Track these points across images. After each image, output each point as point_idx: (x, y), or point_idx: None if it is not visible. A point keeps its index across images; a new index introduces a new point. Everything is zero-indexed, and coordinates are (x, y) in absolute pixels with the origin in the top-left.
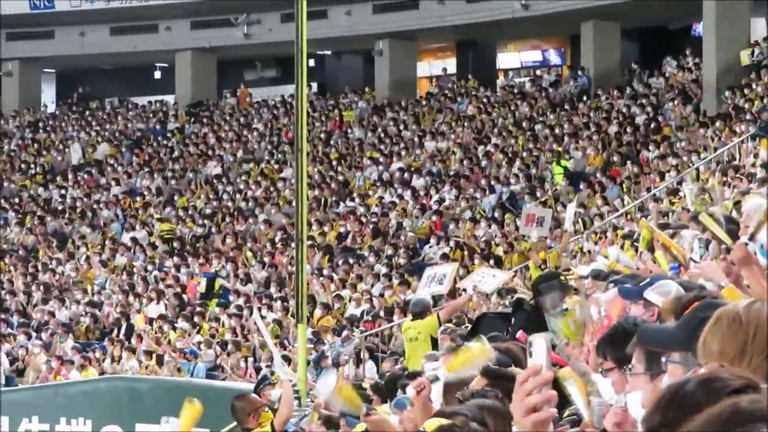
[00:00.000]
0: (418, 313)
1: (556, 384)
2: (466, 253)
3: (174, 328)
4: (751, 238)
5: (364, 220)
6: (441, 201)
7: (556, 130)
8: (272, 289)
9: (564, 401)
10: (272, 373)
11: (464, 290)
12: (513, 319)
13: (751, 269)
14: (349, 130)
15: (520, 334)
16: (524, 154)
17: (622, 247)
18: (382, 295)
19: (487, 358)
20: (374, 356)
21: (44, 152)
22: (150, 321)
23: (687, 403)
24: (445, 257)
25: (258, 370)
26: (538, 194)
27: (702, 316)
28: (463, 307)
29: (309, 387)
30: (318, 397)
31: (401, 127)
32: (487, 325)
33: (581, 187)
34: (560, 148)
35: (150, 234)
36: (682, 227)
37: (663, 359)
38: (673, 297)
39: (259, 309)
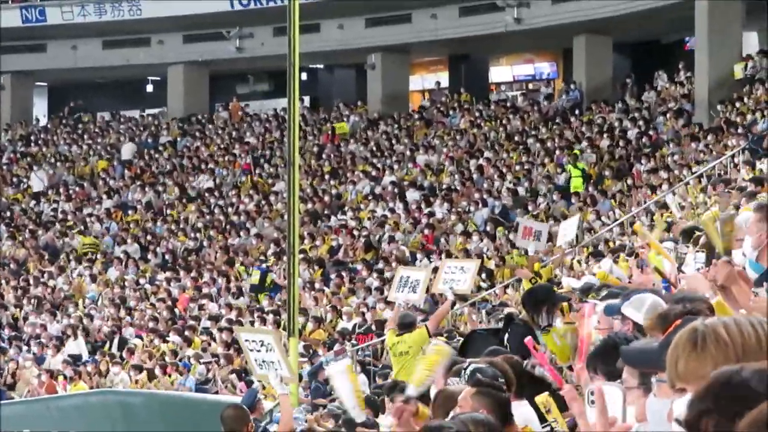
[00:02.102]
0: (407, 325)
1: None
2: None
3: (165, 342)
4: (729, 253)
5: (356, 233)
6: (432, 214)
7: (548, 144)
8: (264, 303)
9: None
10: (263, 387)
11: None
12: (507, 334)
13: (740, 287)
14: (341, 144)
15: (528, 339)
16: (516, 168)
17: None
18: (373, 308)
19: (447, 357)
20: (366, 370)
21: (36, 166)
22: (66, 360)
23: (741, 391)
24: (435, 271)
25: (249, 383)
26: (530, 208)
27: None
28: (447, 314)
29: (300, 402)
30: (328, 375)
31: (393, 141)
32: (477, 341)
33: (573, 200)
34: (578, 151)
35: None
36: (670, 241)
37: (653, 379)
38: (659, 312)
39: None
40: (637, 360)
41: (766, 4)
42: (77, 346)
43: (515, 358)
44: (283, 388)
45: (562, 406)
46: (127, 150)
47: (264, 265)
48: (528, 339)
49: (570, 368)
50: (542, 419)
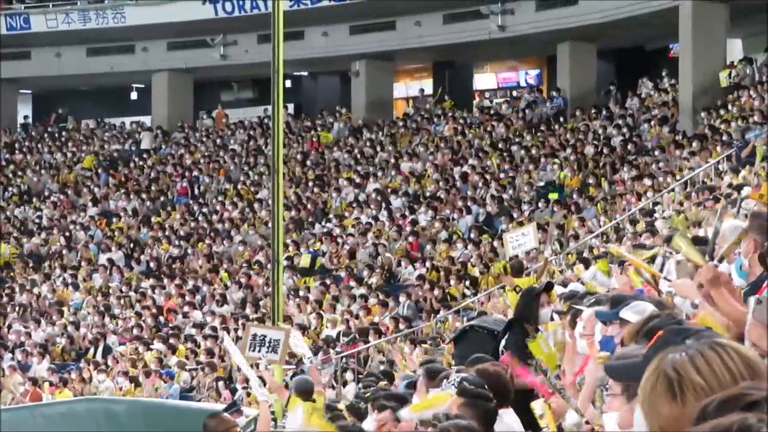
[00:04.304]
0: (310, 392)
1: (530, 411)
2: (442, 274)
3: (150, 350)
4: (721, 259)
5: (340, 241)
6: (416, 222)
7: (533, 151)
8: (248, 310)
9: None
10: (248, 395)
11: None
12: (504, 339)
13: (720, 291)
14: (325, 151)
15: (505, 355)
16: (501, 175)
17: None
18: (357, 317)
19: (445, 404)
20: (357, 378)
21: (20, 173)
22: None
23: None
24: (421, 278)
25: (234, 391)
26: (515, 215)
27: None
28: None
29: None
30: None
31: (378, 148)
32: (472, 337)
33: (555, 209)
34: (560, 160)
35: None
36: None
37: (605, 394)
38: (635, 322)
39: (230, 330)
40: (621, 374)
41: (750, 12)
42: None
43: (503, 366)
44: (263, 394)
45: None
46: (146, 139)
47: (313, 249)
48: (505, 355)
49: (558, 376)
50: (534, 426)
